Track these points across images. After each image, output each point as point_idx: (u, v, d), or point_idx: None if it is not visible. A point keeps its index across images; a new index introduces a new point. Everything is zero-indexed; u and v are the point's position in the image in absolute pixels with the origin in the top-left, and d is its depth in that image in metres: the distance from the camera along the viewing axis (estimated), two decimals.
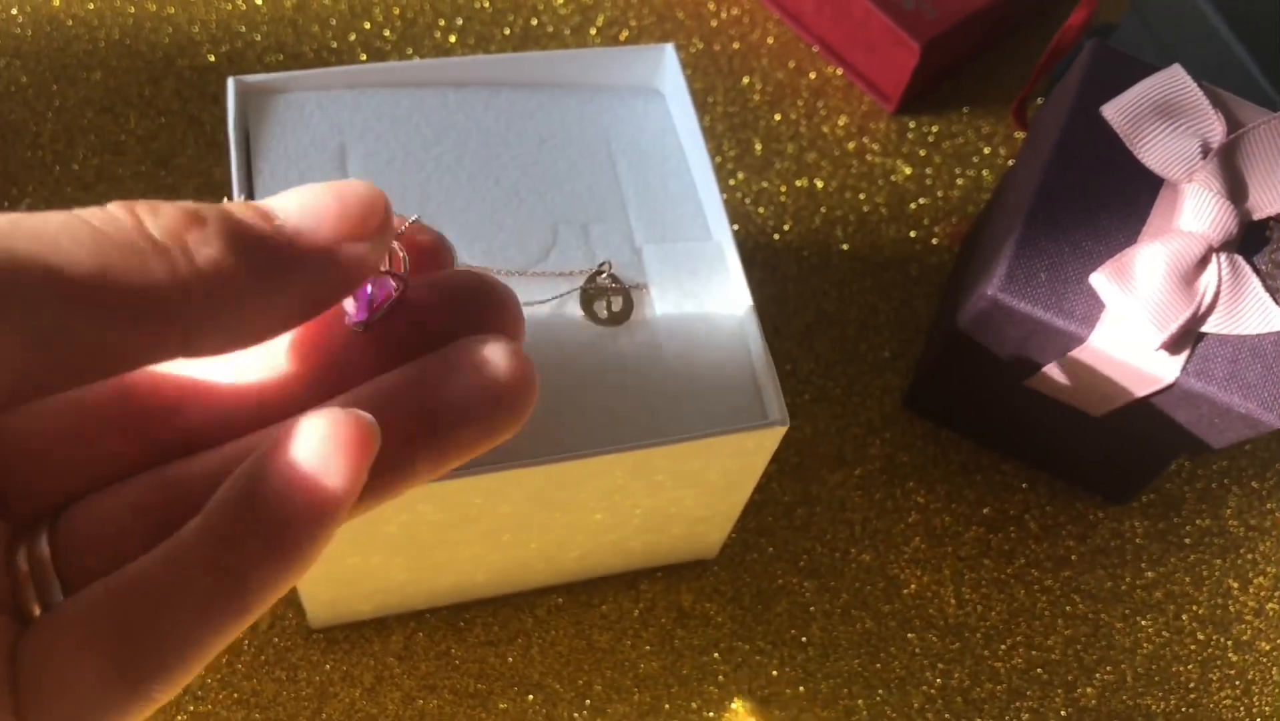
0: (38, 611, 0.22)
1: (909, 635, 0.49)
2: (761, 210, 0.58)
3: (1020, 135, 0.62)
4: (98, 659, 0.20)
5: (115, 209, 0.20)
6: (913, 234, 0.58)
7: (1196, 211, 0.43)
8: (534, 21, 0.61)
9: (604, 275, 0.39)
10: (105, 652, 0.20)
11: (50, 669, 0.20)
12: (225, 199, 0.45)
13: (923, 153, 0.61)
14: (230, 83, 0.40)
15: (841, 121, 0.61)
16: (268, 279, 0.21)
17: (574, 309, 0.39)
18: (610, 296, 0.39)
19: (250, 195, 0.39)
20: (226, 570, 0.20)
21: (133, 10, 0.59)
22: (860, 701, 0.47)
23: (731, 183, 0.58)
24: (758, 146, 0.59)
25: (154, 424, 0.24)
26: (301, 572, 0.21)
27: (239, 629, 0.21)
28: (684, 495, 0.41)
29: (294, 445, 0.21)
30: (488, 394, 0.23)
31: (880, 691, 0.48)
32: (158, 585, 0.21)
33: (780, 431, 0.37)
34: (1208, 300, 0.42)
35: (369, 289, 0.24)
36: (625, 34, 0.62)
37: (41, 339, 0.18)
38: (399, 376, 0.23)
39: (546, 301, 0.39)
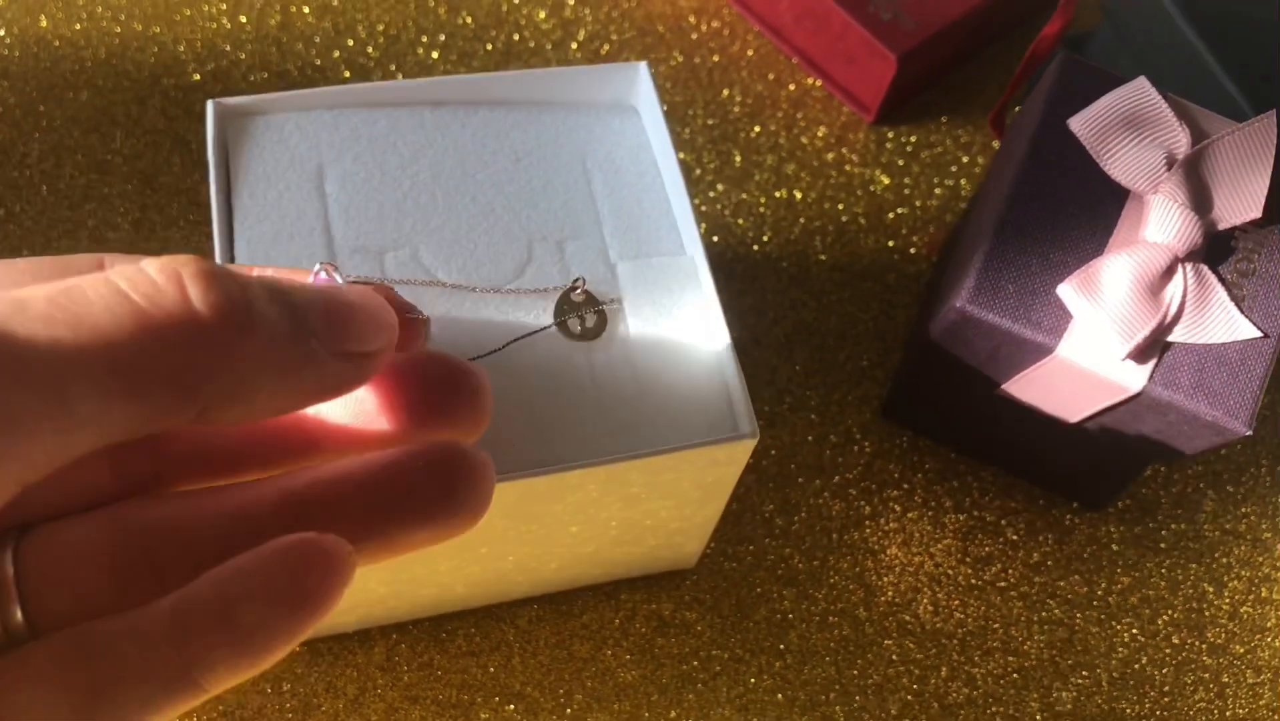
0: None
1: (886, 642, 0.50)
2: (741, 221, 0.58)
3: (998, 145, 0.62)
4: (62, 709, 0.21)
5: (161, 278, 0.20)
6: (891, 244, 0.59)
7: (1162, 223, 0.43)
8: (516, 37, 0.62)
9: (578, 291, 0.40)
10: (70, 705, 0.21)
11: (14, 708, 0.21)
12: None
13: (901, 163, 0.61)
14: (210, 105, 0.41)
15: (820, 132, 0.62)
16: (294, 370, 0.22)
17: (549, 325, 0.39)
18: (584, 312, 0.40)
19: (229, 217, 0.40)
20: (189, 663, 0.21)
21: (119, 30, 0.60)
22: (838, 708, 0.48)
23: (711, 194, 0.59)
24: (737, 158, 0.60)
25: (132, 456, 0.24)
26: (261, 669, 0.22)
27: (196, 704, 0.22)
28: (659, 507, 0.42)
29: (272, 565, 0.22)
30: (441, 500, 0.24)
31: (858, 698, 0.48)
32: (122, 658, 0.22)
33: (750, 444, 0.38)
34: (1173, 310, 0.43)
35: None
36: (606, 48, 0.62)
37: (73, 424, 0.19)
38: (360, 465, 0.24)
39: (522, 322, 0.39)
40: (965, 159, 0.62)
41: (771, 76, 0.63)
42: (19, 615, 0.22)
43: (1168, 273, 0.43)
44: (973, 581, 0.51)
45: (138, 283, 0.20)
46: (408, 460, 0.24)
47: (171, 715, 0.22)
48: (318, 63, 0.60)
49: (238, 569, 0.22)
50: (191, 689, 0.21)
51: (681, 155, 0.43)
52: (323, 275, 0.26)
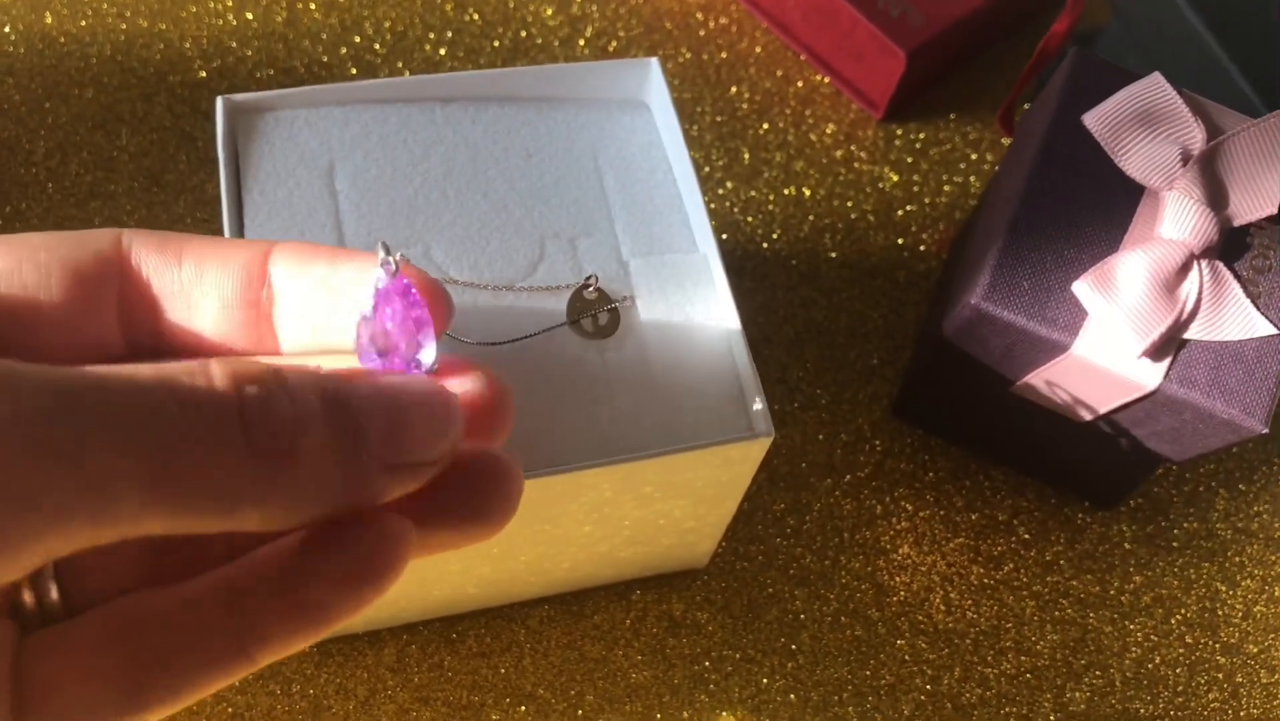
0: (29, 600, 0.23)
1: (898, 642, 0.49)
2: (750, 219, 0.58)
3: (1007, 141, 0.62)
4: (108, 680, 0.22)
5: (224, 384, 0.20)
6: (900, 241, 0.59)
7: (1177, 219, 0.43)
8: (523, 34, 0.62)
9: (591, 288, 0.40)
10: (117, 676, 0.22)
11: (59, 681, 0.22)
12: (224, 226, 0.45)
13: (910, 160, 0.61)
14: (219, 102, 0.40)
15: (829, 129, 0.61)
16: (339, 489, 0.22)
17: (561, 323, 0.39)
18: (597, 310, 0.39)
19: (240, 214, 0.39)
20: (244, 633, 0.22)
21: (125, 27, 0.59)
22: (851, 709, 0.48)
23: (720, 192, 0.59)
24: (746, 155, 0.60)
25: None
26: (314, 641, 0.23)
27: (244, 675, 0.22)
28: (672, 506, 0.41)
29: (337, 544, 0.22)
30: (471, 504, 0.24)
31: (870, 698, 0.48)
32: (173, 628, 0.22)
33: (766, 442, 0.38)
34: (1189, 307, 0.43)
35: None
36: (614, 45, 0.62)
37: (110, 522, 0.19)
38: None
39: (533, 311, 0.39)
40: (974, 156, 0.62)
41: (780, 73, 0.63)
42: (54, 593, 0.23)
43: (1183, 269, 0.43)
44: (985, 581, 0.51)
45: (200, 394, 0.20)
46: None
47: (217, 687, 0.22)
48: (325, 60, 0.60)
49: (301, 545, 0.22)
50: (243, 661, 0.22)
51: (690, 152, 0.42)
52: (390, 264, 0.25)
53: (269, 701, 0.45)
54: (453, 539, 0.24)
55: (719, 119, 0.61)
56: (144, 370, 0.20)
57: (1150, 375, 0.43)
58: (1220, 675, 0.50)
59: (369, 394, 0.22)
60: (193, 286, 0.26)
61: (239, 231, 0.39)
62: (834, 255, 0.58)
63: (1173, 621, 0.51)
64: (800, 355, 0.55)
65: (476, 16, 0.62)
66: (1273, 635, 0.51)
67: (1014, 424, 0.50)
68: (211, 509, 0.20)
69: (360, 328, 0.25)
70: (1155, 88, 0.45)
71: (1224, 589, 0.52)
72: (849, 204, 0.59)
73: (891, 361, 0.55)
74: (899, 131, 0.62)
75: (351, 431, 0.21)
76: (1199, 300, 0.43)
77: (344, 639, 0.46)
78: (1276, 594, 0.52)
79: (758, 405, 0.38)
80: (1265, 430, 0.42)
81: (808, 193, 0.59)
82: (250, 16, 0.60)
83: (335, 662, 0.46)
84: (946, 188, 0.60)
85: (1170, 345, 0.43)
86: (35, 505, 0.18)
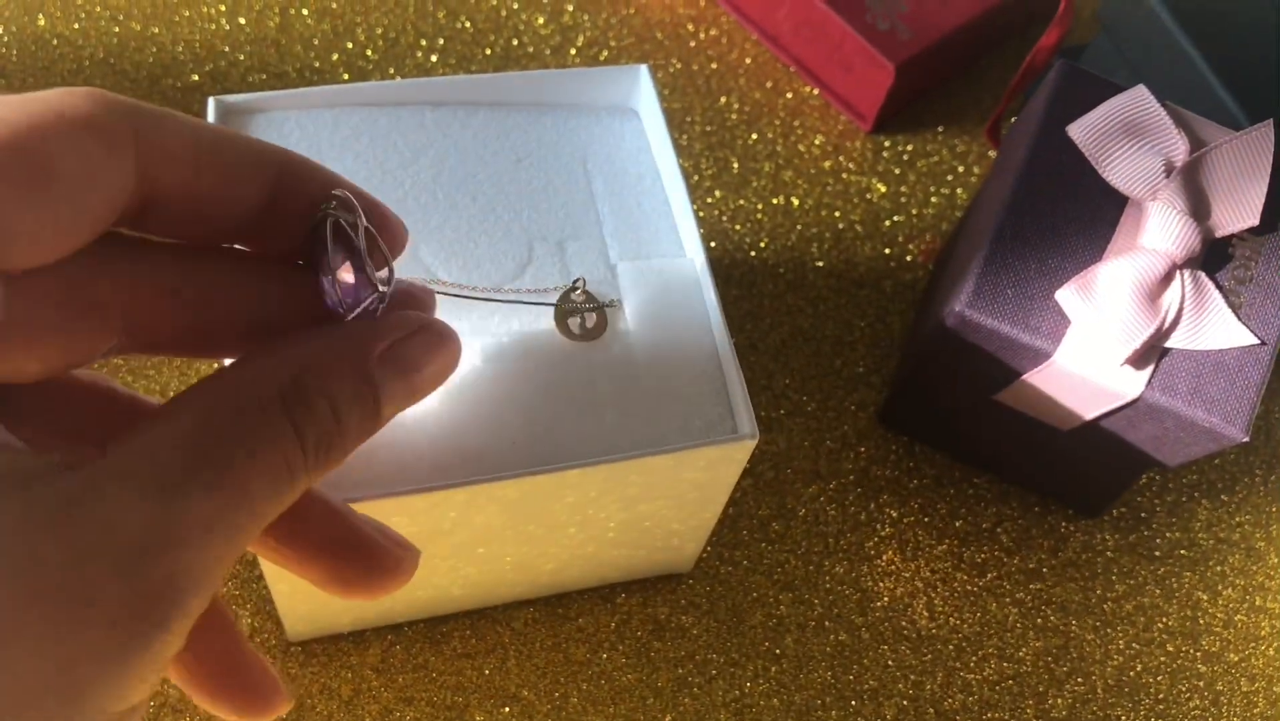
0: None
1: (882, 647, 0.49)
2: (738, 227, 0.59)
3: (994, 154, 0.63)
4: None
5: (278, 415, 0.24)
6: (887, 251, 0.59)
7: (1160, 229, 0.44)
8: (515, 42, 0.62)
9: (578, 292, 0.40)
10: None
11: None
12: None
13: (898, 171, 0.62)
14: (210, 102, 0.41)
15: (818, 140, 0.62)
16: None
17: (548, 325, 0.39)
18: (584, 313, 0.40)
19: None
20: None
21: (117, 30, 0.60)
22: (834, 713, 0.48)
23: (709, 200, 0.59)
24: (735, 165, 0.60)
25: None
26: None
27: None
28: (657, 508, 0.42)
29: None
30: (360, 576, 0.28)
31: (853, 703, 0.48)
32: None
33: (750, 445, 0.38)
34: (1171, 316, 0.43)
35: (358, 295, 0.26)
36: (605, 54, 0.63)
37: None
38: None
39: (521, 304, 0.39)
40: (961, 168, 0.62)
41: (769, 84, 0.63)
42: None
43: (1166, 279, 0.43)
44: (968, 588, 0.51)
45: (269, 432, 0.24)
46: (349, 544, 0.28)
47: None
48: (316, 65, 0.60)
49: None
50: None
51: (679, 161, 0.43)
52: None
53: None
54: (328, 586, 0.28)
55: (708, 128, 0.61)
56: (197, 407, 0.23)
57: (1132, 383, 0.43)
58: (1201, 683, 0.51)
59: (390, 353, 0.26)
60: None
61: None
62: (821, 264, 0.58)
63: (1154, 630, 0.52)
64: (786, 362, 0.55)
65: (468, 24, 0.62)
66: (1253, 644, 0.52)
67: (998, 431, 0.50)
68: (271, 497, 0.23)
69: (325, 285, 0.26)
70: (1139, 100, 0.46)
71: (1205, 598, 0.53)
72: (837, 214, 0.60)
73: (877, 369, 0.56)
74: (887, 143, 0.62)
75: (373, 400, 0.25)
76: (1181, 309, 0.44)
77: (328, 639, 0.46)
78: (1257, 603, 0.53)
79: (742, 407, 0.38)
80: (1246, 439, 0.43)
81: (796, 202, 0.60)
82: (243, 21, 0.61)
83: (319, 662, 0.46)
84: (934, 199, 0.61)
85: (1152, 354, 0.43)
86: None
